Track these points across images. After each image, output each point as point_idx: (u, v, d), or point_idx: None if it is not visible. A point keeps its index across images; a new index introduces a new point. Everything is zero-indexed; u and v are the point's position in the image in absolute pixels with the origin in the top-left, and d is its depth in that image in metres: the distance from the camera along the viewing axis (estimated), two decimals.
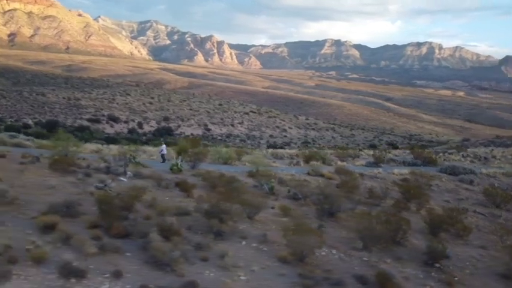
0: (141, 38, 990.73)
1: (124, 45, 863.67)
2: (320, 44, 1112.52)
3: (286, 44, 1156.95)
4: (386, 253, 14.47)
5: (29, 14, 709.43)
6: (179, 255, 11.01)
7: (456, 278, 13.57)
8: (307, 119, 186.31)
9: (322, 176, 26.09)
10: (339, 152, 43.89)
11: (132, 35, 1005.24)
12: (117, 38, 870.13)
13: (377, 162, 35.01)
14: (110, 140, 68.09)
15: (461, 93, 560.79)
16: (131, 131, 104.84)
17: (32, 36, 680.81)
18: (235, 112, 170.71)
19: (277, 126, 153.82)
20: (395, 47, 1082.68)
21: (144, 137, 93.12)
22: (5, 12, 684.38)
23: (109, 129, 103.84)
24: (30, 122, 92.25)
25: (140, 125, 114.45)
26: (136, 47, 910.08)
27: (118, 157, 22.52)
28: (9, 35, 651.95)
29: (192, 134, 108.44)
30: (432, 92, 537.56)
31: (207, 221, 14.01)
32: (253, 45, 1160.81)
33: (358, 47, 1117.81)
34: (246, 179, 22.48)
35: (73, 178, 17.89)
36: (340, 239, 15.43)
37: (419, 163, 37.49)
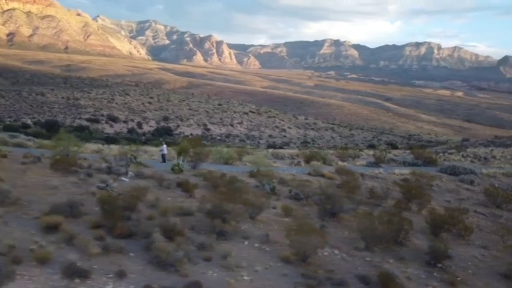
0: (140, 37, 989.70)
1: (123, 45, 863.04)
2: (319, 44, 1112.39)
3: (285, 44, 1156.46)
4: (388, 253, 14.48)
5: (28, 13, 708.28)
6: (183, 255, 11.01)
7: (458, 278, 13.58)
8: (306, 119, 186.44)
9: (323, 176, 26.12)
10: (340, 152, 43.91)
11: (131, 34, 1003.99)
12: (116, 38, 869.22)
13: (377, 162, 35.06)
14: (109, 139, 68.00)
15: (460, 94, 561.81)
16: (130, 131, 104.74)
17: (31, 35, 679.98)
18: (235, 112, 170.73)
19: (277, 126, 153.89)
20: (394, 47, 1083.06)
21: (143, 137, 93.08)
22: (3, 12, 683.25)
23: (109, 129, 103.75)
24: (29, 121, 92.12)
25: (139, 124, 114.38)
26: (135, 47, 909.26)
27: (119, 157, 22.52)
28: (7, 35, 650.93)
29: (191, 134, 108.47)
30: (431, 92, 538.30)
31: (209, 221, 14.01)
32: (252, 45, 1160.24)
33: (357, 47, 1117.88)
34: (248, 179, 22.50)
35: (74, 178, 17.87)
36: (342, 239, 15.45)
37: (420, 163, 37.55)
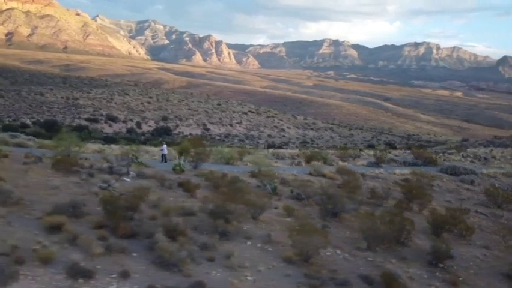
0: (139, 37, 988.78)
1: (122, 45, 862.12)
2: (318, 44, 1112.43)
3: (285, 44, 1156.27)
4: (391, 253, 14.51)
5: (27, 13, 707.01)
6: (186, 255, 11.01)
7: (460, 278, 13.62)
8: (305, 119, 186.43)
9: (324, 176, 26.14)
10: (340, 152, 43.92)
11: (130, 34, 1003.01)
12: (115, 38, 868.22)
13: (378, 163, 35.08)
14: (108, 139, 67.93)
15: (459, 94, 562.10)
16: (129, 131, 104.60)
17: (30, 35, 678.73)
18: (234, 112, 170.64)
19: (276, 126, 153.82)
20: (393, 47, 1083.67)
21: (143, 137, 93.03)
22: (2, 12, 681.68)
23: (108, 129, 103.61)
24: (28, 121, 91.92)
25: (138, 124, 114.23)
26: (134, 47, 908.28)
27: (120, 157, 22.50)
28: (6, 34, 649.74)
29: (190, 134, 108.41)
30: (430, 92, 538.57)
31: (212, 221, 14.02)
32: (251, 45, 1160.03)
33: (356, 47, 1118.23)
34: (249, 179, 22.50)
35: (76, 178, 17.86)
36: (344, 239, 15.48)
37: (420, 163, 37.58)
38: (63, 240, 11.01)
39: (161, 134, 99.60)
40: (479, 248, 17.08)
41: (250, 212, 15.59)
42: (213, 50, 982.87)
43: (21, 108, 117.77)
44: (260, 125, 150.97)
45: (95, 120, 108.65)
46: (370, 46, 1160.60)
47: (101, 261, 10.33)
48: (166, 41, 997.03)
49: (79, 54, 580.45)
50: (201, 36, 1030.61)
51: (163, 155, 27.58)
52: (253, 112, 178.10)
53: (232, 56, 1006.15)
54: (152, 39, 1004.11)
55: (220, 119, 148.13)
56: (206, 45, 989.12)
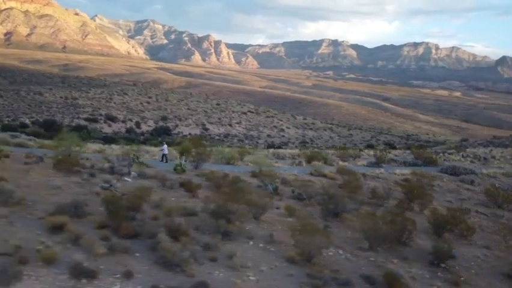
0: (138, 37, 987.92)
1: (121, 45, 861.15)
2: (317, 43, 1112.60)
3: (284, 44, 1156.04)
4: (392, 253, 14.53)
5: (26, 12, 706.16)
6: (189, 255, 11.01)
7: (462, 278, 13.64)
8: (305, 119, 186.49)
9: (325, 176, 26.16)
10: (340, 152, 43.95)
11: (129, 34, 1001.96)
12: (114, 37, 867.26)
13: (378, 163, 35.11)
14: (108, 139, 67.81)
15: (458, 94, 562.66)
16: (129, 131, 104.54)
17: (29, 35, 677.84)
18: (233, 112, 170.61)
19: (275, 126, 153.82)
20: (392, 47, 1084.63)
21: (142, 137, 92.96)
22: (1, 11, 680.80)
23: (107, 129, 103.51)
24: (27, 121, 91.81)
25: (138, 124, 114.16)
26: (133, 47, 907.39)
27: (121, 157, 22.49)
28: (5, 34, 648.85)
29: (189, 134, 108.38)
30: (429, 92, 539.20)
31: (214, 222, 14.02)
32: (250, 45, 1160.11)
33: (355, 47, 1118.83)
34: (250, 179, 22.52)
35: (77, 178, 17.85)
36: (346, 239, 15.49)
37: (420, 163, 37.62)
38: (66, 240, 11.00)
39: (161, 134, 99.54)
40: (480, 248, 17.12)
41: (252, 212, 15.60)
42: (212, 50, 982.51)
43: (20, 108, 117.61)
44: (259, 125, 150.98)
45: (95, 120, 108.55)
46: (369, 46, 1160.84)
47: (104, 262, 10.33)
48: (165, 41, 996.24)
49: (77, 54, 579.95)
50: (199, 36, 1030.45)
51: (164, 155, 27.56)
52: (252, 112, 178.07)
53: (231, 56, 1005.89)
54: (151, 39, 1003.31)
55: (219, 119, 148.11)
56: (205, 45, 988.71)
